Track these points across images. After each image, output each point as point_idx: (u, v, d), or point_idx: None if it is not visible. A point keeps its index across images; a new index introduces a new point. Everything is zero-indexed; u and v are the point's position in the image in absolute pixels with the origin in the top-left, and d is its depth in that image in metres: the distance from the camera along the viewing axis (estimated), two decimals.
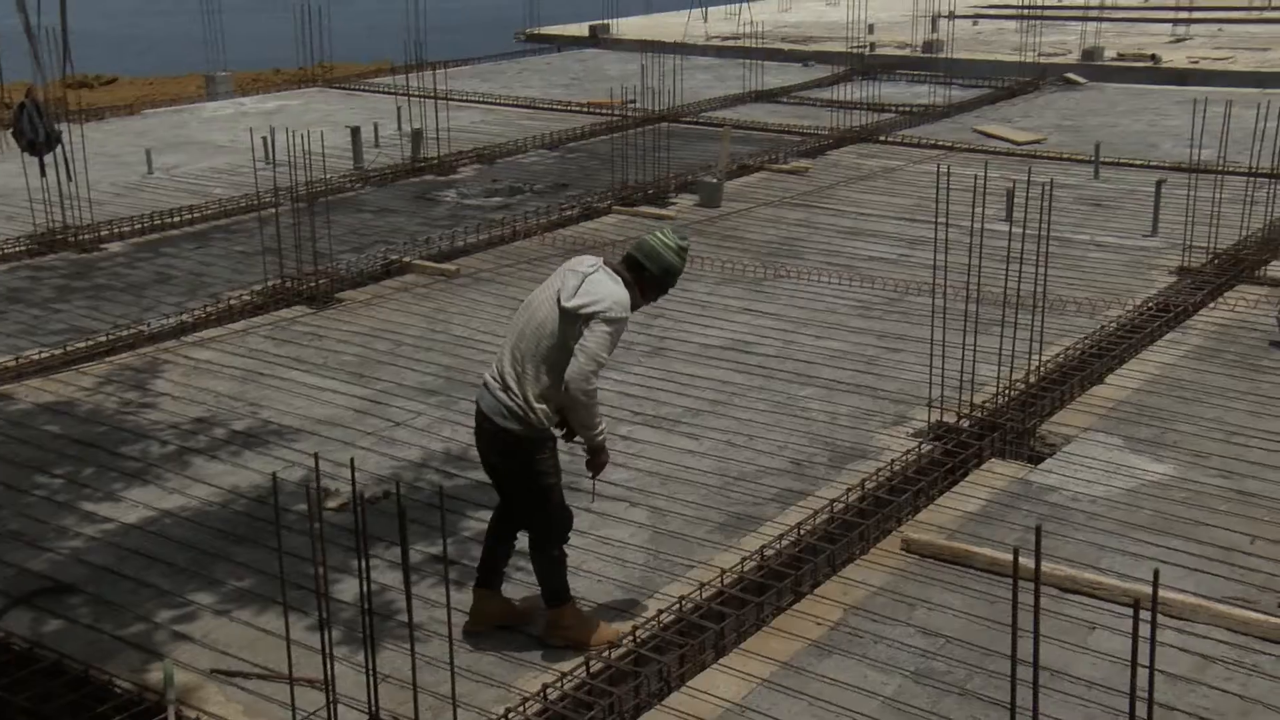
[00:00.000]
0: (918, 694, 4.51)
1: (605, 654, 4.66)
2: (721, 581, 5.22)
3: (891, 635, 4.92)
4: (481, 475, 5.77)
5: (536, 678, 4.63)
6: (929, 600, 5.16)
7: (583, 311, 4.30)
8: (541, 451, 4.50)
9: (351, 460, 3.80)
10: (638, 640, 4.78)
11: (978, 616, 5.01)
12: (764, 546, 5.50)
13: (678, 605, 5.01)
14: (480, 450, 4.65)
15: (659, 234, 4.55)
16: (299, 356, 8.24)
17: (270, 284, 9.29)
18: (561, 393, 4.30)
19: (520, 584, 5.22)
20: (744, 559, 5.38)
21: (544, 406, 4.41)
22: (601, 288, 4.35)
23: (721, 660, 4.76)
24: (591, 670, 4.59)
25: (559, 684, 4.51)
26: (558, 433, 4.54)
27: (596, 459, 4.63)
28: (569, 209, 11.63)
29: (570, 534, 4.70)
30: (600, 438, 4.52)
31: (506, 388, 4.42)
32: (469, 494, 6.15)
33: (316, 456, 3.87)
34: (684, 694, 4.54)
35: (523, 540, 4.83)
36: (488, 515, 5.91)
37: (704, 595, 5.10)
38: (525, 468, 4.51)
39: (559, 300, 4.36)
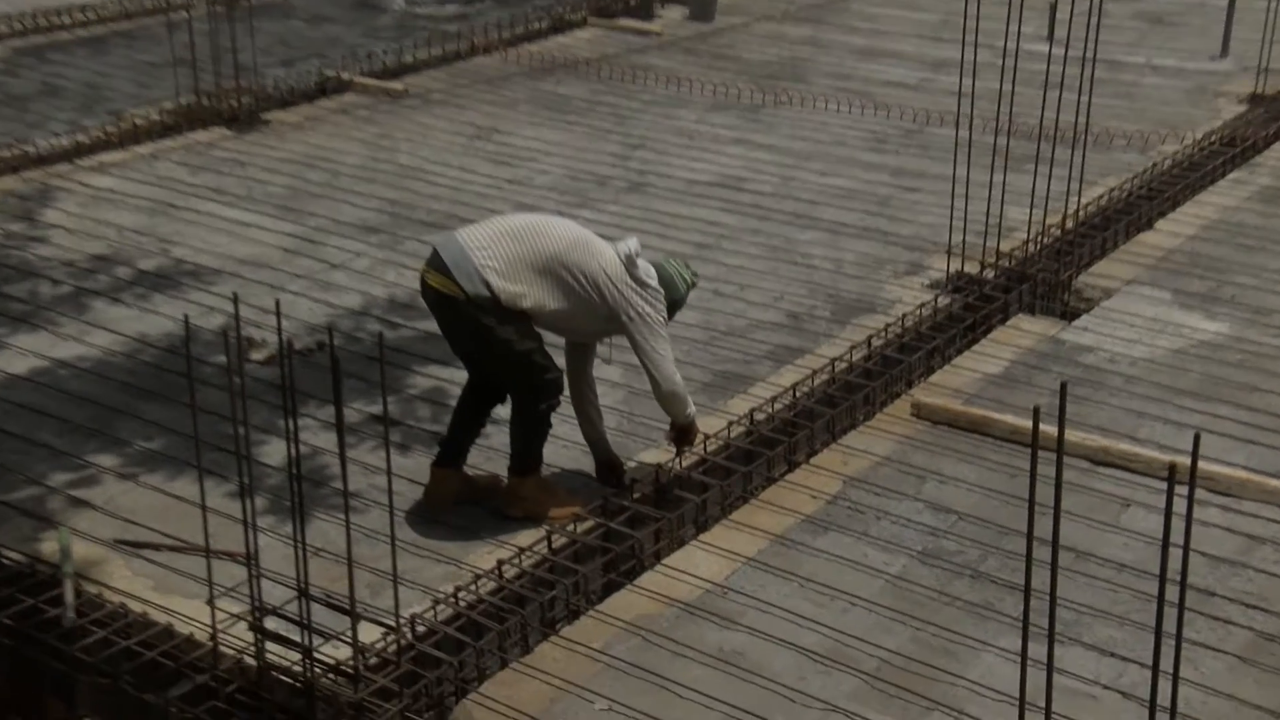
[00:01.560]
0: (925, 575, 4.59)
1: (570, 528, 4.75)
2: (705, 448, 5.28)
3: (897, 511, 4.98)
4: (430, 325, 5.76)
5: (491, 553, 4.68)
6: (940, 472, 5.23)
7: (639, 299, 4.69)
8: (507, 315, 4.58)
9: (278, 305, 3.71)
10: (607, 513, 4.84)
11: (995, 491, 5.08)
12: (754, 410, 5.56)
13: (654, 474, 5.07)
14: (439, 319, 4.76)
15: (675, 263, 4.97)
16: (218, 187, 8.19)
17: (183, 102, 9.16)
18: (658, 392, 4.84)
19: (482, 451, 5.26)
20: (731, 423, 5.43)
21: (510, 289, 4.57)
22: (663, 281, 4.81)
23: (702, 536, 4.83)
24: (554, 546, 4.67)
25: (516, 560, 4.57)
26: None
27: (685, 436, 5.06)
28: (537, 20, 11.36)
29: (560, 399, 4.78)
30: (690, 418, 4.99)
31: (483, 248, 4.55)
32: (415, 346, 6.19)
33: (237, 300, 3.85)
34: (659, 573, 4.60)
35: (501, 411, 5.00)
36: (435, 370, 6.04)
37: (685, 464, 5.18)
38: (490, 333, 4.58)
39: (608, 262, 4.66)
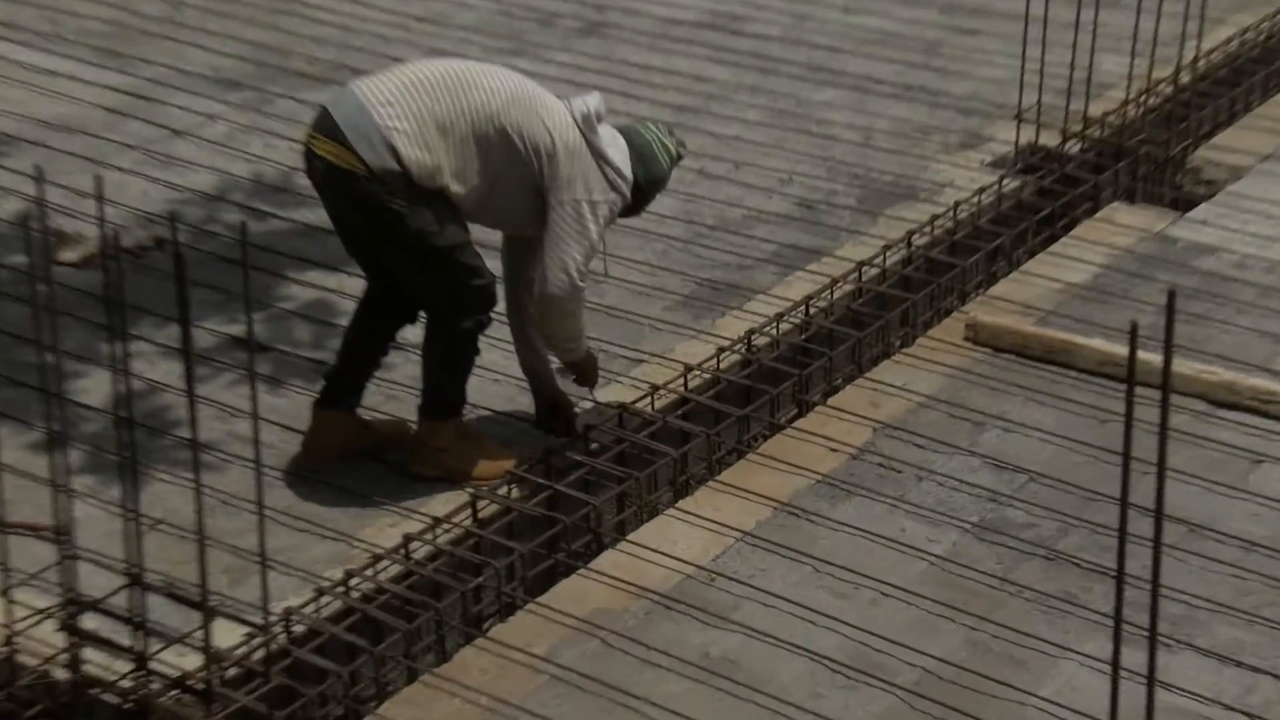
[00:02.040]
0: (982, 556, 4.60)
1: (502, 492, 4.81)
2: (685, 385, 5.34)
3: (945, 469, 5.02)
4: (313, 214, 5.88)
5: (395, 527, 4.69)
6: (1004, 417, 5.27)
7: (593, 179, 4.72)
8: (423, 196, 4.63)
9: (100, 185, 3.61)
10: (553, 472, 4.89)
11: (1077, 443, 5.11)
12: (752, 332, 5.60)
13: (617, 418, 5.13)
14: (328, 204, 4.84)
15: (654, 128, 4.99)
16: (12, 21, 8.13)
17: None
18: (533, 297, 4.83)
19: (383, 388, 5.27)
20: (721, 351, 5.47)
21: (425, 161, 4.61)
22: (637, 152, 4.85)
23: (681, 503, 4.87)
24: (481, 516, 4.70)
25: (430, 536, 4.59)
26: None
27: (583, 375, 5.11)
28: None
29: (492, 315, 4.85)
30: (579, 354, 5.01)
31: (389, 104, 4.58)
32: (291, 243, 6.21)
33: (41, 178, 3.76)
34: (623, 553, 4.64)
35: (411, 333, 5.10)
36: (319, 277, 6.09)
37: (657, 405, 5.23)
38: (399, 221, 4.62)
39: (558, 124, 4.70)
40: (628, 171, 4.81)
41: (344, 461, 4.98)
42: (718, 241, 6.36)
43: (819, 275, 6.03)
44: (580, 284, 4.77)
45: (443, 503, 4.81)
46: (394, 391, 5.33)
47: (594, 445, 5.05)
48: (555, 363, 5.17)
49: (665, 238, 6.34)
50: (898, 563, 4.60)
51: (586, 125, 4.74)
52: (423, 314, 4.95)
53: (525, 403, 5.29)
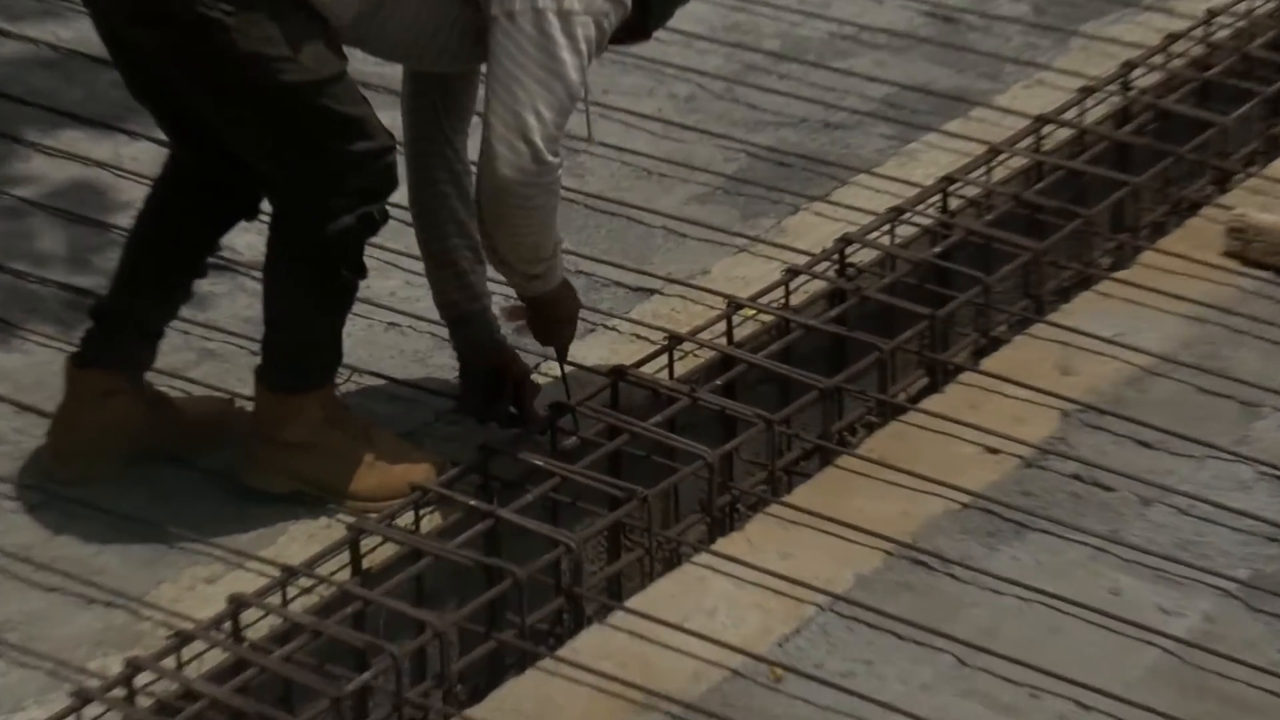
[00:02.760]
0: (1258, 638, 4.52)
1: (404, 520, 4.80)
2: (729, 334, 5.36)
3: (1192, 484, 5.00)
4: (71, 32, 6.19)
5: (215, 582, 4.64)
6: None
7: None
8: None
9: None
10: (491, 489, 4.90)
11: None
12: (847, 241, 5.64)
13: (608, 394, 5.13)
14: (96, 12, 4.86)
15: None
16: None
17: None
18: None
19: (192, 338, 5.34)
20: (790, 274, 5.50)
21: None
22: None
23: (722, 543, 4.85)
24: (367, 564, 4.67)
25: (277, 598, 4.53)
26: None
27: (549, 321, 5.14)
28: None
29: (387, 208, 4.92)
30: (548, 284, 5.01)
31: None
32: (34, 80, 6.33)
33: None
34: (620, 630, 4.57)
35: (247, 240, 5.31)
36: (74, 143, 6.18)
37: (678, 370, 5.27)
38: (227, 43, 4.60)
39: None
40: None
41: (126, 466, 4.93)
42: (786, 81, 6.39)
43: (964, 143, 6.09)
44: (550, 158, 4.71)
45: (300, 540, 4.74)
46: (214, 343, 5.31)
47: (567, 441, 5.05)
48: (503, 298, 5.24)
49: (695, 75, 6.35)
50: (1109, 650, 4.51)
51: None
52: (266, 207, 4.98)
53: (446, 365, 5.27)
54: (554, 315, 5.13)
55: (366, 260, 4.88)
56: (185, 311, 5.14)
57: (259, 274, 5.04)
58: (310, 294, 4.87)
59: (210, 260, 5.10)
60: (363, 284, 4.92)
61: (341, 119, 4.70)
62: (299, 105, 4.68)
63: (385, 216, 4.86)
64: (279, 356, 4.93)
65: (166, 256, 5.05)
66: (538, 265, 4.94)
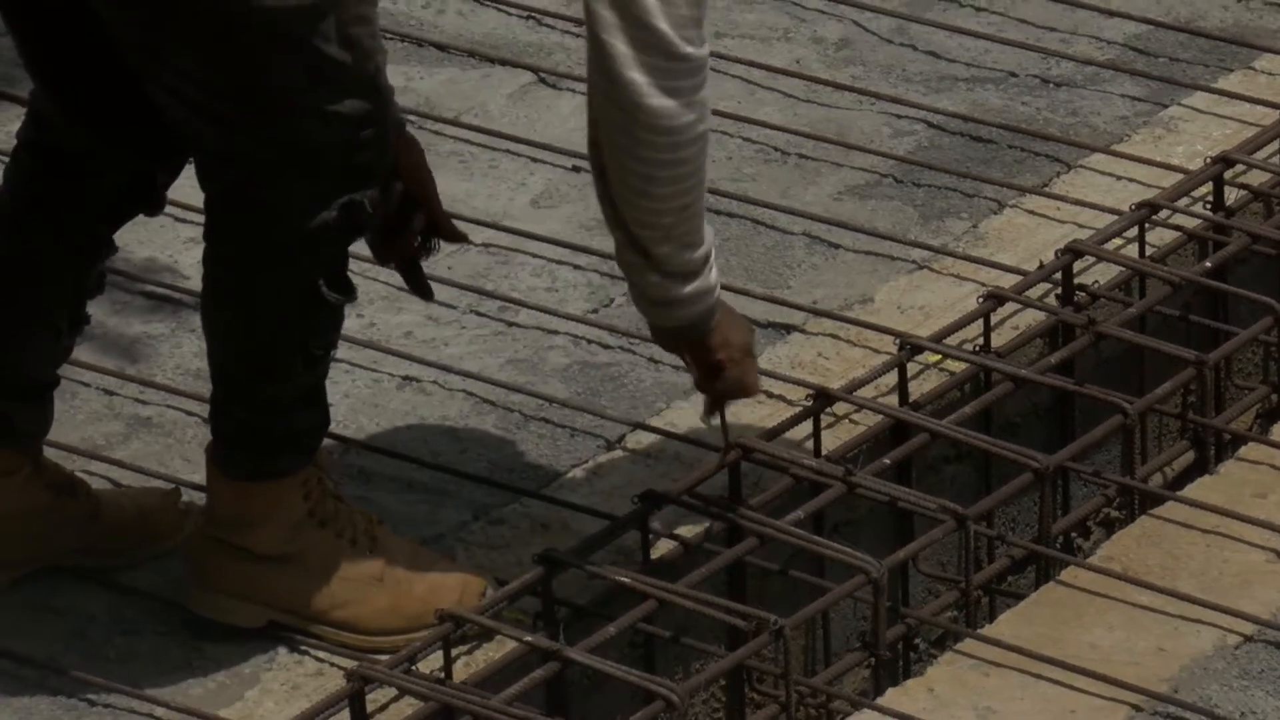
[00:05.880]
0: None
1: (431, 658, 4.16)
2: (902, 386, 4.84)
3: None
4: None
5: None
6: None
7: None
8: None
9: None
10: (556, 613, 4.27)
11: None
12: (1076, 253, 5.14)
13: (724, 474, 4.53)
14: None
15: None
16: None
17: None
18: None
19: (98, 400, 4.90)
20: (991, 301, 4.98)
21: None
22: None
23: (889, 696, 4.31)
24: None
25: None
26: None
27: (714, 372, 4.43)
28: None
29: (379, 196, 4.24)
30: (711, 297, 4.32)
31: None
32: None
33: None
34: None
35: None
36: None
37: (825, 441, 4.72)
38: None
39: None
40: None
41: (13, 585, 4.31)
42: (984, 16, 5.87)
43: (1247, 107, 5.47)
44: (686, 48, 4.00)
45: (278, 694, 4.09)
46: (150, 407, 4.74)
47: (667, 549, 4.39)
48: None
49: (850, 9, 5.90)
50: None
51: None
52: (190, 199, 4.49)
53: (488, 436, 4.75)
54: (724, 359, 4.39)
55: (365, 283, 4.37)
56: (110, 361, 4.62)
57: (193, 298, 4.58)
58: (274, 327, 4.05)
59: (98, 267, 4.24)
60: (367, 320, 4.70)
61: (333, 65, 3.89)
62: (274, 43, 3.86)
63: (379, 209, 4.09)
64: (236, 428, 4.09)
65: (33, 266, 4.23)
66: (694, 255, 4.14)
